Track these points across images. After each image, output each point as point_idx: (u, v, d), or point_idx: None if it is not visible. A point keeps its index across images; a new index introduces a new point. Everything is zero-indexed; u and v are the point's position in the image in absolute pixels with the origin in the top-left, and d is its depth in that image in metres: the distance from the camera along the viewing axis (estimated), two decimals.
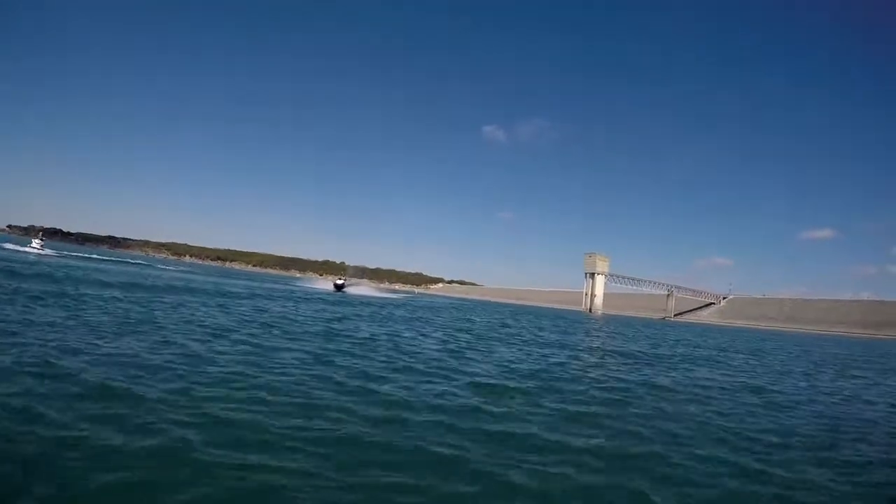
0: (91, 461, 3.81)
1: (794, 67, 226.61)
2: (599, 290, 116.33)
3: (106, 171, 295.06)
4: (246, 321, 14.26)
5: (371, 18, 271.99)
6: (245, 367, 7.70)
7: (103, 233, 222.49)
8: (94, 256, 67.13)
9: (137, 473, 3.72)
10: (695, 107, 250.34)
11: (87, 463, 3.77)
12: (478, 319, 30.91)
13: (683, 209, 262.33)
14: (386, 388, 7.34)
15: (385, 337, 14.45)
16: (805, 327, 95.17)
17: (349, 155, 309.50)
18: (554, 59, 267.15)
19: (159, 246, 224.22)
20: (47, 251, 51.04)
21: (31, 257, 39.48)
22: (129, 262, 62.19)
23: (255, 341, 10.45)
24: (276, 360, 8.53)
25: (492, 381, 8.78)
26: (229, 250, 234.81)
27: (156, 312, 13.48)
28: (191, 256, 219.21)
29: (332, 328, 15.08)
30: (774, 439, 6.69)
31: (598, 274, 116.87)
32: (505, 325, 27.47)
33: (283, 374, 7.53)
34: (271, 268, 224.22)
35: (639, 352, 18.71)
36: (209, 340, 9.85)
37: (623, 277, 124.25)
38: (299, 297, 31.85)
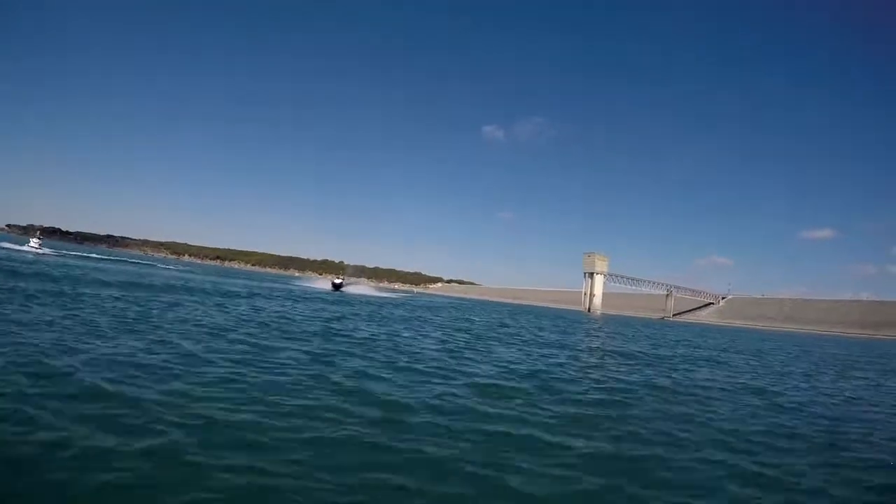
0: (83, 463, 3.74)
1: (794, 67, 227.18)
2: (598, 290, 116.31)
3: (105, 171, 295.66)
4: (243, 320, 14.19)
5: (371, 18, 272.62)
6: (242, 367, 7.63)
7: (102, 232, 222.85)
8: (93, 255, 67.00)
9: (130, 476, 3.65)
10: (695, 107, 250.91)
11: (78, 465, 3.70)
12: (477, 319, 30.85)
13: (683, 209, 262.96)
14: (384, 388, 7.28)
15: (384, 337, 14.38)
16: (804, 327, 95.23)
17: (349, 154, 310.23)
18: (554, 59, 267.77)
19: (158, 245, 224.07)
20: (45, 250, 50.91)
21: (29, 257, 39.37)
22: (127, 262, 62.07)
23: (253, 341, 10.38)
24: (274, 360, 8.46)
25: (491, 382, 8.72)
26: (228, 249, 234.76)
27: (153, 312, 13.40)
28: (190, 256, 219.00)
29: (331, 328, 15.01)
30: (777, 442, 6.63)
31: (598, 274, 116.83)
32: (504, 325, 27.41)
33: (280, 374, 7.47)
34: (270, 267, 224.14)
35: (639, 352, 18.66)
36: (206, 340, 9.77)
37: (622, 277, 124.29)
38: (297, 297, 31.77)
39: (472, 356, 12.22)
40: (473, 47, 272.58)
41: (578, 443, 5.62)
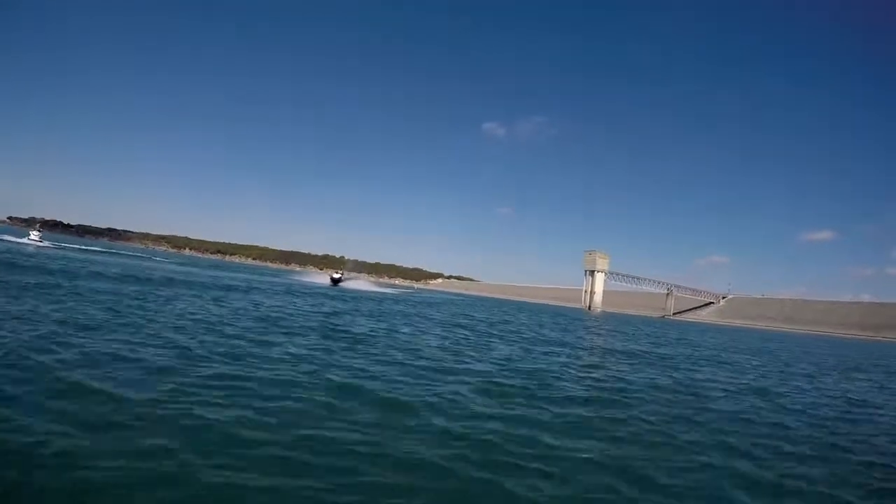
0: (61, 462, 3.58)
1: (794, 67, 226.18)
2: (599, 288, 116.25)
3: (107, 165, 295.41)
4: (240, 315, 14.03)
5: (371, 18, 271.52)
6: (236, 363, 7.47)
7: (104, 225, 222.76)
8: (93, 248, 66.84)
9: (111, 476, 3.48)
10: (695, 107, 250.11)
11: (57, 464, 3.54)
12: (477, 316, 30.71)
13: (683, 208, 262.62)
14: (382, 386, 7.12)
15: (383, 333, 14.23)
16: (804, 328, 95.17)
17: (350, 151, 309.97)
18: (554, 58, 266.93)
19: (159, 238, 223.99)
20: (45, 243, 50.77)
21: (29, 249, 39.24)
22: (127, 255, 61.97)
23: (249, 336, 10.21)
24: (269, 357, 8.29)
25: (491, 381, 8.55)
26: (229, 243, 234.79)
27: (149, 306, 13.24)
28: (190, 249, 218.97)
29: (328, 323, 14.85)
30: (781, 446, 6.48)
31: (598, 271, 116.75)
32: (504, 322, 27.28)
33: (275, 371, 7.30)
34: (271, 261, 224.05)
35: (640, 351, 18.51)
36: (200, 335, 9.60)
37: (623, 275, 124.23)
38: (295, 292, 31.62)
39: (472, 353, 12.06)
40: (473, 47, 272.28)
41: (578, 445, 5.47)
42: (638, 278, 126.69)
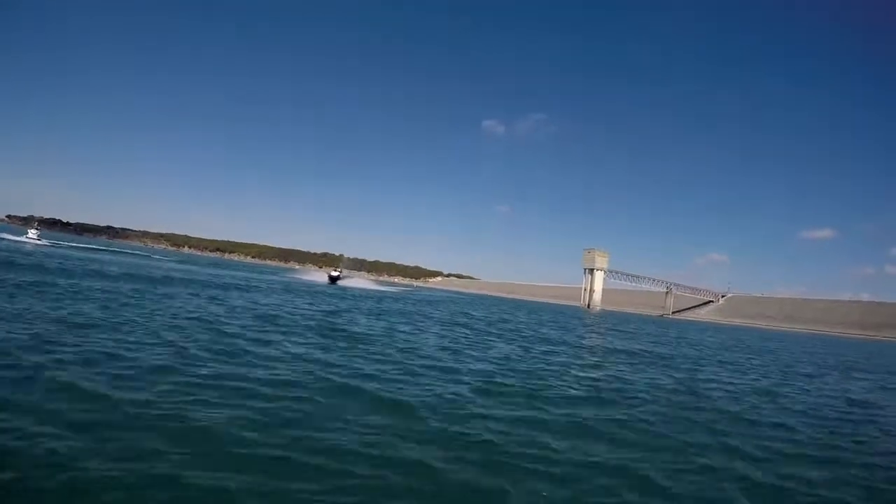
0: (49, 461, 3.49)
1: (794, 68, 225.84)
2: (598, 286, 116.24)
3: (106, 163, 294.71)
4: (238, 314, 13.93)
5: (371, 18, 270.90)
6: (232, 364, 7.37)
7: (102, 223, 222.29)
8: (91, 247, 66.68)
9: (100, 479, 3.39)
10: (695, 107, 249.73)
11: (45, 464, 3.45)
12: (476, 314, 30.63)
13: (683, 208, 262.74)
14: (380, 387, 7.01)
15: (381, 331, 14.13)
16: (804, 327, 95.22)
17: (350, 150, 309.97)
18: (554, 58, 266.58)
19: (158, 237, 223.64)
20: (43, 241, 50.59)
21: (27, 248, 39.08)
22: (126, 253, 61.80)
23: (247, 334, 10.11)
24: (266, 356, 8.18)
25: (491, 381, 8.46)
26: (229, 241, 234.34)
27: (146, 304, 13.13)
28: (190, 247, 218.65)
29: (327, 322, 14.74)
30: (785, 448, 6.40)
31: (597, 270, 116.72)
32: (503, 320, 27.20)
33: (270, 371, 7.20)
34: (271, 259, 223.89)
35: (640, 350, 18.42)
36: (196, 334, 9.49)
37: (622, 274, 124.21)
38: (293, 290, 31.52)
39: (472, 353, 11.97)
40: (473, 47, 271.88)
41: (578, 446, 5.38)
42: (637, 277, 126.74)
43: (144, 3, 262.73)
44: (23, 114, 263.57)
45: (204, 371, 6.64)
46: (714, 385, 11.19)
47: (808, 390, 12.28)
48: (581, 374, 10.72)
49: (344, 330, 13.27)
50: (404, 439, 4.95)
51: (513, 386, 8.26)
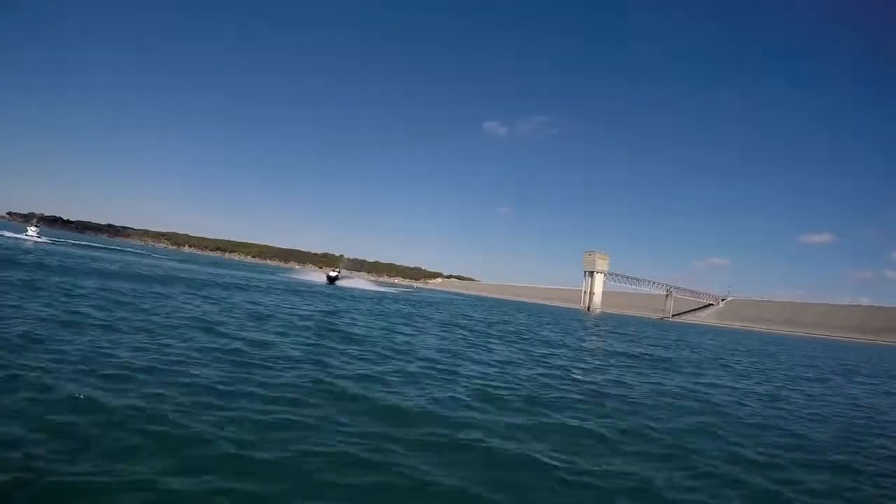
0: (23, 470, 3.33)
1: (794, 68, 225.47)
2: (598, 289, 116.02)
3: (107, 161, 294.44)
4: (235, 314, 13.78)
5: (371, 18, 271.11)
6: (225, 366, 7.20)
7: (103, 221, 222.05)
8: (91, 245, 66.57)
9: (73, 486, 3.25)
10: (695, 107, 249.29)
11: (17, 472, 3.30)
12: (476, 316, 30.50)
13: (683, 210, 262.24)
14: (377, 391, 6.85)
15: (380, 333, 13.99)
16: (804, 331, 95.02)
17: (350, 150, 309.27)
18: (554, 58, 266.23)
19: (159, 235, 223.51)
20: (43, 239, 50.45)
21: (26, 245, 38.95)
22: (126, 251, 61.67)
23: (243, 335, 9.95)
24: (261, 358, 8.01)
25: (489, 385, 8.30)
26: (229, 241, 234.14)
27: (143, 304, 12.98)
28: (190, 246, 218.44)
29: (325, 322, 14.59)
30: (791, 454, 6.25)
31: (598, 272, 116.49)
32: (503, 322, 27.06)
33: (266, 375, 7.06)
34: (271, 259, 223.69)
35: (641, 353, 18.28)
36: (189, 334, 9.30)
37: (622, 276, 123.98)
38: (292, 290, 31.37)
39: (472, 355, 11.82)
40: (473, 47, 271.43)
41: (579, 455, 5.22)
42: (637, 279, 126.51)
43: (144, 3, 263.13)
44: (24, 111, 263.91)
45: (194, 372, 6.47)
46: (718, 390, 11.03)
47: (812, 395, 12.14)
48: (581, 377, 10.58)
49: (342, 331, 13.13)
50: (399, 444, 4.80)
51: (512, 391, 8.11)
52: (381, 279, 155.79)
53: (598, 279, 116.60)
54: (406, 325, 17.95)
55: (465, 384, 8.12)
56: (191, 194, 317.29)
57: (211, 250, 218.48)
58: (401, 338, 13.50)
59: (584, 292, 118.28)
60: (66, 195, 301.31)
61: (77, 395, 4.90)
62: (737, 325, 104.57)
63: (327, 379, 7.11)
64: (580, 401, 7.99)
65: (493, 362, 11.13)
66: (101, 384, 5.44)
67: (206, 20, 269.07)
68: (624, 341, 24.31)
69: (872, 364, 29.09)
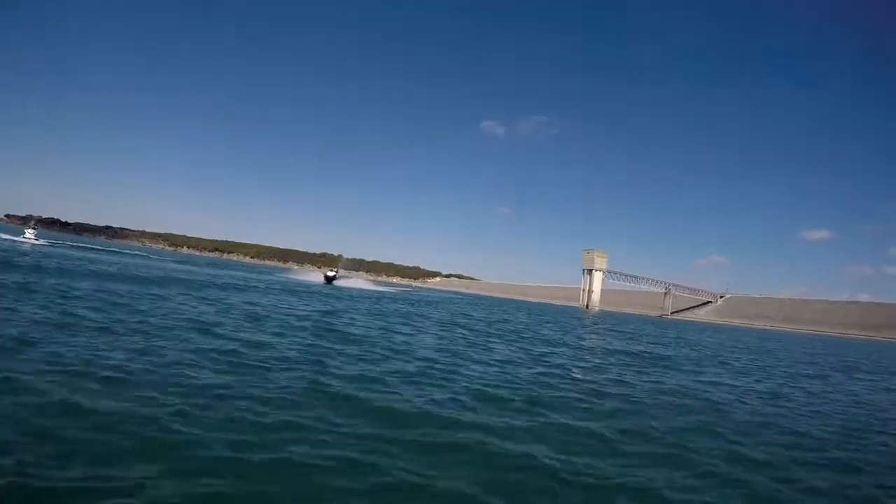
0: (10, 475, 3.27)
1: (794, 68, 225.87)
2: (597, 287, 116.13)
3: (106, 163, 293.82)
4: (232, 315, 13.71)
5: (371, 18, 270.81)
6: (221, 368, 7.14)
7: (101, 223, 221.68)
8: (89, 246, 66.34)
9: (62, 493, 3.19)
10: (695, 107, 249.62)
11: (4, 478, 3.24)
12: (476, 315, 30.45)
13: (682, 208, 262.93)
14: (375, 393, 6.79)
15: (379, 332, 13.93)
16: (803, 328, 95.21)
17: (350, 150, 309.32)
18: (554, 58, 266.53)
19: (156, 236, 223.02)
20: (41, 241, 50.22)
21: (23, 247, 38.79)
22: (124, 253, 61.47)
23: (239, 336, 9.88)
24: (258, 359, 7.96)
25: (489, 385, 8.24)
26: (227, 241, 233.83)
27: (139, 306, 12.90)
28: (188, 247, 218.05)
29: (323, 322, 14.53)
30: (792, 453, 6.21)
31: (597, 270, 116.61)
32: (503, 321, 27.02)
33: (264, 376, 7.00)
34: (269, 259, 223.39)
35: (641, 351, 18.25)
36: (183, 336, 9.21)
37: (621, 274, 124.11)
38: (290, 290, 31.28)
39: (472, 355, 11.77)
40: (473, 47, 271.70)
41: (580, 455, 5.17)
42: (636, 277, 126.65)
43: (144, 3, 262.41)
44: (22, 112, 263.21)
45: (190, 374, 6.40)
46: (718, 388, 11.00)
47: (812, 392, 12.11)
48: (581, 376, 10.53)
49: (340, 331, 13.07)
50: (397, 445, 4.75)
51: (512, 391, 8.05)
52: (379, 279, 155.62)
53: (597, 277, 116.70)
54: (405, 324, 17.89)
55: (464, 384, 8.07)
56: (190, 194, 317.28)
57: (209, 251, 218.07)
58: (399, 337, 13.44)
59: (583, 290, 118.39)
60: (65, 196, 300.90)
61: (70, 399, 4.82)
62: (736, 322, 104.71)
63: (324, 380, 7.05)
64: (580, 400, 7.94)
65: (492, 362, 11.08)
66: (94, 387, 5.37)
67: (206, 20, 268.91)
68: (623, 339, 24.28)
69: (872, 360, 29.12)
